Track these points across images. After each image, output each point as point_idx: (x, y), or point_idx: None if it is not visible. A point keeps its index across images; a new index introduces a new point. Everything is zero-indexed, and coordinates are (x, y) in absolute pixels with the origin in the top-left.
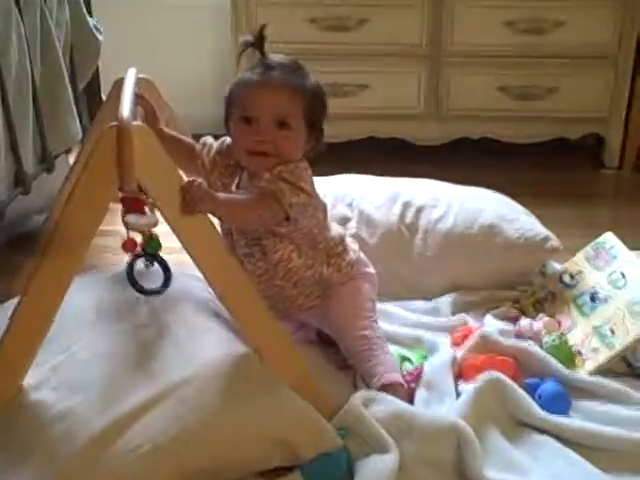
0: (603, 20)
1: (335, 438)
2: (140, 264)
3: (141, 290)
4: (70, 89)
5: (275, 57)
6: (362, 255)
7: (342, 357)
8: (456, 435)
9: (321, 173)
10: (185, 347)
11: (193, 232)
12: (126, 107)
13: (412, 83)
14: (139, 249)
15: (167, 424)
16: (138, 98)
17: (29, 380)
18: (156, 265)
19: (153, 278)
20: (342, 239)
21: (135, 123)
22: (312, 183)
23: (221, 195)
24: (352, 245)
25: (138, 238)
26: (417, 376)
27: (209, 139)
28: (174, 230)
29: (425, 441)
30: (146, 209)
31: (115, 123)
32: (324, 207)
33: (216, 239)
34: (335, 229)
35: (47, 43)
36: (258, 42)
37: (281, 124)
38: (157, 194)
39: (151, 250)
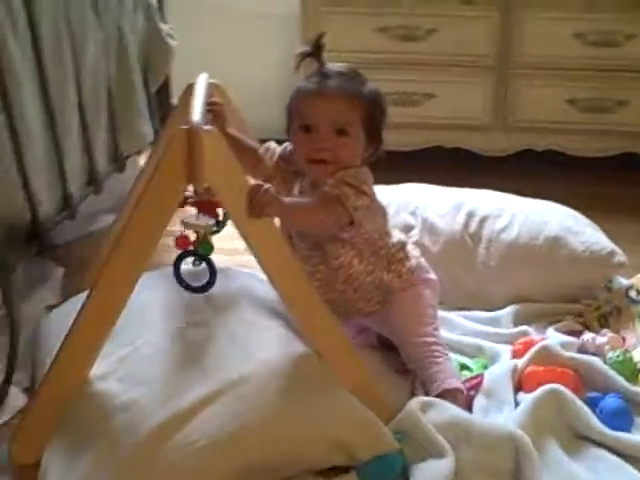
0: None
1: (391, 441)
2: (188, 262)
3: (187, 287)
4: (143, 93)
5: (333, 66)
6: (423, 261)
7: (401, 362)
8: (514, 444)
9: (386, 181)
10: (244, 345)
11: (259, 235)
12: (197, 111)
13: (478, 94)
14: (190, 247)
15: (225, 420)
16: (209, 101)
17: (96, 370)
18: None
19: (199, 277)
20: (403, 245)
21: (206, 127)
22: (372, 188)
23: (287, 200)
24: (413, 252)
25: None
26: (477, 384)
27: (272, 144)
28: (241, 232)
29: (482, 449)
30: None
31: (186, 126)
32: (384, 212)
33: (281, 243)
34: (396, 235)
35: (122, 48)
36: (315, 51)
37: (340, 132)
38: (225, 197)
39: (203, 252)
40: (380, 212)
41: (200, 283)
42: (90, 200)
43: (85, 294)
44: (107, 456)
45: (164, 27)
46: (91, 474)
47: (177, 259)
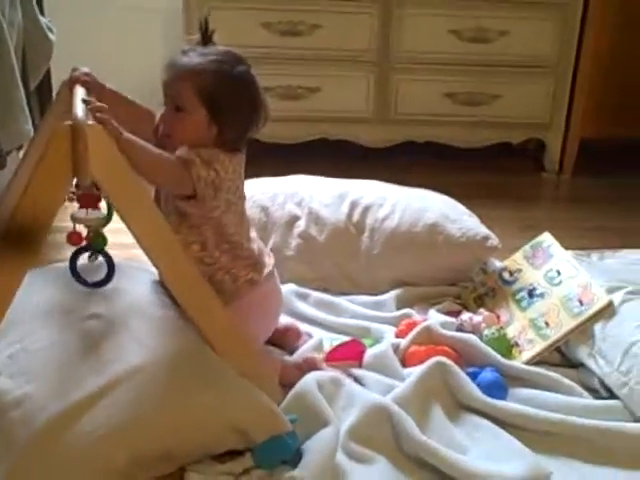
0: (543, 32)
1: (284, 423)
2: (84, 257)
3: (84, 282)
4: (22, 88)
5: (206, 47)
6: (273, 280)
7: None
8: (387, 414)
9: (273, 174)
10: (138, 336)
11: (144, 224)
12: (79, 106)
13: (361, 87)
14: (84, 243)
15: (120, 410)
16: (74, 76)
17: None
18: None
19: (96, 271)
20: (259, 254)
21: (89, 122)
22: (234, 175)
23: (135, 137)
24: (268, 263)
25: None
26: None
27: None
28: (127, 224)
29: (362, 419)
30: (102, 206)
31: (69, 122)
32: (240, 209)
33: (166, 230)
34: (257, 245)
35: (0, 42)
36: (204, 36)
37: (177, 107)
38: (111, 190)
39: (97, 246)
40: (237, 205)
41: (97, 278)
42: None
43: None
44: (3, 451)
45: (43, 20)
46: None
47: (73, 255)
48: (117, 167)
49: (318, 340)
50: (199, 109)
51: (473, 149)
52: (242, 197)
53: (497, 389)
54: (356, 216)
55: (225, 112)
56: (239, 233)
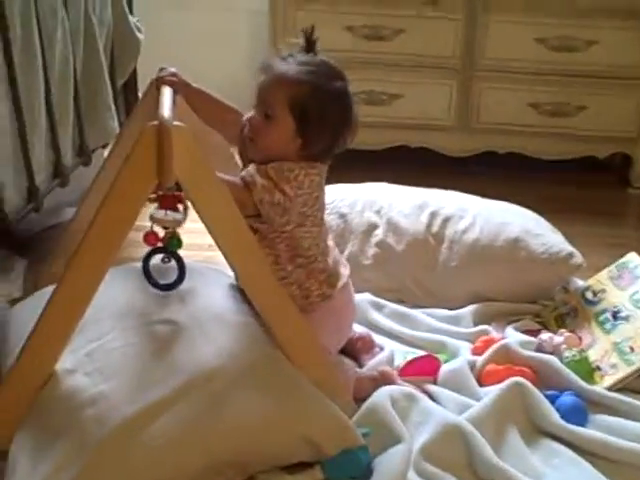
0: (633, 42)
1: (357, 437)
2: (157, 259)
3: (155, 284)
4: (110, 86)
5: (304, 55)
6: (348, 292)
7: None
8: (462, 435)
9: (352, 180)
10: (215, 340)
11: (224, 227)
12: (166, 107)
13: (444, 95)
14: (159, 244)
15: (196, 414)
16: (160, 77)
17: (65, 365)
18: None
19: (169, 273)
20: (334, 266)
21: (175, 123)
22: (311, 188)
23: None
24: (342, 272)
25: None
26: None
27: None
28: (206, 225)
29: (436, 438)
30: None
31: (156, 122)
32: (317, 223)
33: (246, 233)
34: (333, 255)
35: (89, 40)
36: (307, 44)
37: (266, 115)
38: (193, 192)
39: (172, 248)
40: (315, 217)
41: (169, 280)
42: (53, 192)
43: (50, 289)
44: (76, 449)
45: (132, 19)
46: (60, 467)
47: (146, 256)
48: (200, 168)
49: (390, 353)
50: (287, 120)
51: (556, 162)
52: (320, 208)
53: (577, 414)
54: (435, 227)
55: (313, 127)
56: (315, 246)
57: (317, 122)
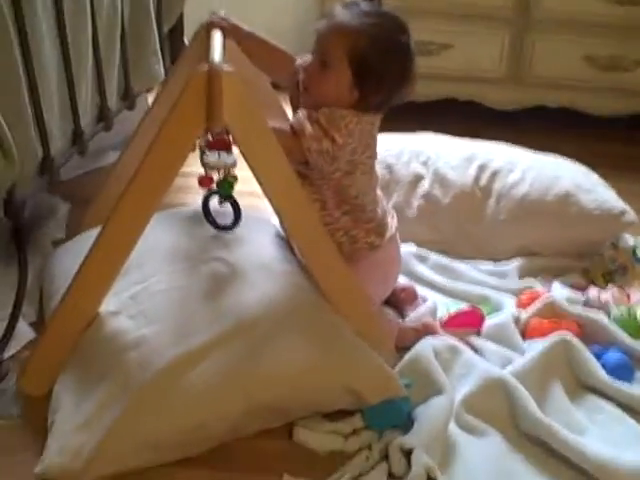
0: None
1: (399, 387)
2: (215, 201)
3: (213, 224)
4: (156, 31)
5: (372, 4)
6: (395, 243)
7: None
8: (505, 388)
9: (399, 130)
10: (260, 288)
11: (272, 174)
12: (217, 51)
13: (495, 46)
14: (214, 187)
15: (239, 359)
16: (212, 21)
17: (109, 307)
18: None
19: (224, 216)
20: (382, 216)
21: (226, 68)
22: (363, 135)
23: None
24: (391, 224)
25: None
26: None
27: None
28: (254, 172)
29: (479, 390)
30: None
31: (206, 66)
32: (367, 170)
33: (294, 181)
34: (381, 205)
35: None
36: None
37: (323, 63)
38: (242, 137)
39: (224, 192)
40: (365, 164)
41: (225, 222)
42: (97, 136)
43: (94, 231)
44: (119, 391)
45: None
46: (103, 407)
47: (205, 198)
48: (250, 114)
49: (433, 304)
50: (346, 71)
51: (610, 118)
52: (372, 156)
53: (624, 371)
54: (484, 180)
55: (371, 80)
56: (364, 194)
57: (376, 76)
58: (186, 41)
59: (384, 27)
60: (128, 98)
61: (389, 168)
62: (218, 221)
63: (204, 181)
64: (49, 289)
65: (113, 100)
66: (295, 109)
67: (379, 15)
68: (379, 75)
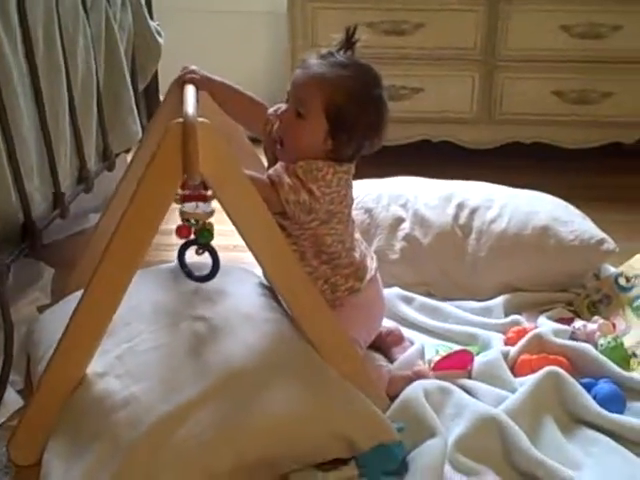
0: None
1: (391, 431)
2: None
3: (189, 275)
4: (131, 90)
5: (342, 55)
6: (377, 287)
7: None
8: (498, 426)
9: (376, 175)
10: (244, 339)
11: (254, 226)
12: (190, 104)
13: (465, 87)
14: (192, 237)
15: (227, 414)
16: (183, 75)
17: (95, 368)
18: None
19: (202, 269)
20: (361, 261)
21: (200, 119)
22: (340, 186)
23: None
24: (370, 268)
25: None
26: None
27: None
28: (233, 221)
29: (472, 430)
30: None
31: (180, 119)
32: (344, 219)
33: (273, 229)
34: (360, 249)
35: (111, 45)
36: (348, 40)
37: (298, 113)
38: (219, 188)
39: (203, 240)
40: (342, 213)
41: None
42: (77, 199)
43: (78, 294)
44: (109, 452)
45: (152, 24)
46: (93, 471)
47: (181, 248)
48: (226, 165)
49: (421, 346)
50: (321, 121)
51: (582, 150)
52: (348, 205)
53: (615, 402)
54: (463, 218)
55: (346, 131)
56: (338, 242)
57: (351, 127)
58: (161, 98)
59: (360, 80)
60: (107, 159)
61: (369, 212)
62: (197, 273)
63: (182, 231)
64: (35, 355)
65: (92, 162)
66: (270, 159)
67: (355, 67)
68: (354, 127)
